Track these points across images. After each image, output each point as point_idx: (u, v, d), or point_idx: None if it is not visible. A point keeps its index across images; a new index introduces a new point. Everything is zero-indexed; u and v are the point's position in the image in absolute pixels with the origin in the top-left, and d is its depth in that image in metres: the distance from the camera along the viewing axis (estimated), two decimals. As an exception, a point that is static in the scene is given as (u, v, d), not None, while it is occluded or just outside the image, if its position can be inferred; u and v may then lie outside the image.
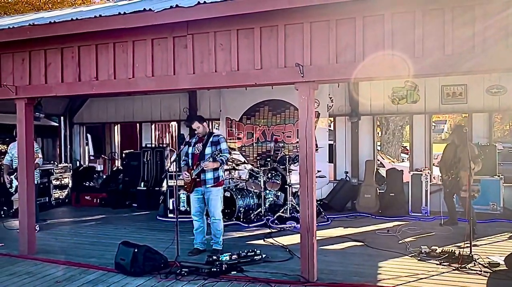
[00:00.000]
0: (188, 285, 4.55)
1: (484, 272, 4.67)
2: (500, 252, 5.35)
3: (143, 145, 10.56)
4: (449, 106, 8.57)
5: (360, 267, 5.02)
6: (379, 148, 14.93)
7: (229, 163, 7.97)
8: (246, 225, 7.39)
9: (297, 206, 7.39)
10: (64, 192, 9.97)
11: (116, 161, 12.33)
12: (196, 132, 5.75)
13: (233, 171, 8.58)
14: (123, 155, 11.10)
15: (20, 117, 5.80)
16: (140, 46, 5.09)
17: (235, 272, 4.80)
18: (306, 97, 4.50)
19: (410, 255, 5.45)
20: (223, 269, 4.79)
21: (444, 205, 7.15)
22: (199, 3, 4.46)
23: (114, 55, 5.21)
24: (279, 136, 9.47)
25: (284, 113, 9.56)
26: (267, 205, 7.90)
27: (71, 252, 5.87)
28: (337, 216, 8.11)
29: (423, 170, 8.37)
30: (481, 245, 5.81)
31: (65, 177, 10.02)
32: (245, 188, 8.15)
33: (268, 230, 7.04)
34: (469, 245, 5.13)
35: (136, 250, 4.89)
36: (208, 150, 5.59)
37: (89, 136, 12.88)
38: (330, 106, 9.25)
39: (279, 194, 8.41)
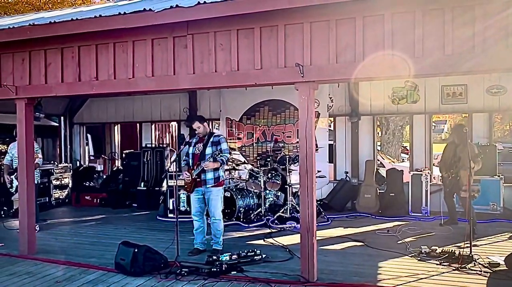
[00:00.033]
0: (188, 285, 4.55)
1: (484, 272, 4.67)
2: (500, 252, 5.35)
3: (143, 145, 10.57)
4: (449, 106, 8.57)
5: (360, 267, 5.02)
6: (379, 148, 14.94)
7: (229, 163, 7.97)
8: (246, 225, 7.39)
9: (297, 206, 7.38)
10: (64, 192, 9.97)
11: (116, 161, 12.33)
12: (196, 132, 5.75)
13: (233, 171, 8.58)
14: (123, 155, 11.11)
15: (20, 117, 5.80)
16: (140, 46, 5.09)
17: (235, 272, 4.80)
18: (306, 97, 4.50)
19: (410, 255, 5.45)
20: (223, 269, 4.79)
21: (444, 205, 7.15)
22: (199, 3, 4.46)
23: (114, 55, 5.21)
24: (279, 136, 9.47)
25: (284, 113, 9.56)
26: (267, 205, 7.90)
27: (71, 252, 5.87)
28: (337, 216, 8.11)
29: (423, 170, 8.37)
30: (481, 245, 5.81)
31: (65, 177, 10.02)
32: (245, 188, 8.15)
33: (268, 230, 7.04)
34: (469, 245, 5.13)
35: (136, 250, 4.89)
36: (208, 150, 5.59)
37: (89, 136, 12.88)
38: (330, 106, 9.25)
39: (279, 194, 8.41)
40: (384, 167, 11.08)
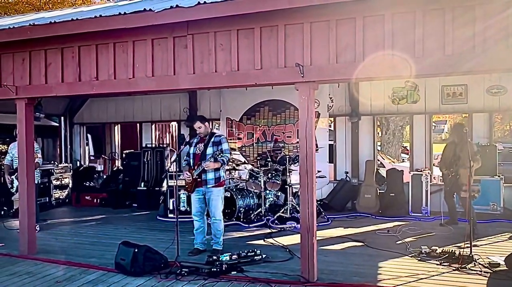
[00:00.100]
0: (188, 285, 4.55)
1: (484, 272, 4.67)
2: (500, 252, 5.35)
3: (143, 145, 10.57)
4: (449, 106, 8.57)
5: (360, 267, 5.02)
6: (379, 148, 14.95)
7: (229, 163, 7.97)
8: (246, 225, 7.39)
9: (297, 206, 7.38)
10: (64, 192, 9.98)
11: (116, 161, 12.34)
12: (198, 132, 5.74)
13: (233, 171, 8.58)
14: (123, 155, 11.11)
15: (20, 117, 5.80)
16: (140, 46, 5.09)
17: (235, 272, 4.79)
18: (306, 97, 4.50)
19: (410, 255, 5.44)
20: (223, 269, 4.79)
21: (444, 205, 7.16)
22: (199, 3, 4.46)
23: (114, 55, 5.21)
24: (279, 136, 9.47)
25: (284, 113, 9.56)
26: (267, 205, 7.90)
27: (71, 252, 5.87)
28: (337, 216, 8.11)
29: (423, 170, 8.37)
30: (481, 245, 5.81)
31: (65, 177, 10.02)
32: (245, 188, 8.15)
33: (268, 230, 7.04)
34: (469, 245, 5.13)
35: (136, 250, 4.89)
36: (209, 150, 5.59)
37: (89, 136, 12.89)
38: (330, 106, 9.25)
39: (279, 194, 8.41)
40: (384, 167, 11.09)
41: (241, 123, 9.91)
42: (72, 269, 5.15)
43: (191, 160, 5.74)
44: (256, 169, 8.17)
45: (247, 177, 8.25)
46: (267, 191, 7.98)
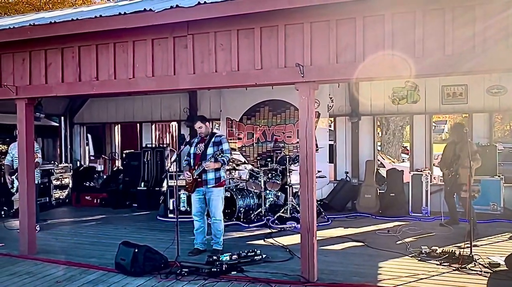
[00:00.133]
0: (188, 285, 4.55)
1: (484, 272, 4.67)
2: (501, 252, 5.35)
3: (144, 145, 10.57)
4: (449, 106, 8.57)
5: (361, 267, 5.02)
6: (379, 148, 14.94)
7: (229, 163, 7.97)
8: (247, 225, 7.39)
9: (297, 206, 7.38)
10: (64, 192, 9.98)
11: (117, 161, 12.34)
12: (198, 132, 5.74)
13: (234, 171, 8.58)
14: (124, 155, 11.12)
15: (20, 117, 5.80)
16: (141, 46, 5.09)
17: (235, 272, 4.79)
18: (306, 97, 4.50)
19: (410, 255, 5.44)
20: (223, 269, 4.79)
21: (445, 205, 7.16)
22: (199, 3, 4.46)
23: (114, 55, 5.21)
24: (279, 136, 9.47)
25: (284, 113, 9.55)
26: (267, 205, 7.90)
27: (72, 252, 5.87)
28: (338, 216, 8.11)
29: (424, 170, 8.37)
30: (481, 245, 5.81)
31: (66, 177, 10.03)
32: (245, 188, 8.15)
33: (269, 230, 7.04)
34: (469, 245, 5.12)
35: (136, 250, 4.88)
36: (210, 150, 5.59)
37: (89, 136, 12.89)
38: (330, 106, 9.25)
39: (279, 194, 8.41)
40: (385, 167, 11.09)
41: (241, 123, 9.91)
42: (72, 269, 5.15)
43: (191, 160, 5.74)
44: (256, 169, 8.17)
45: (247, 177, 8.25)
46: (267, 191, 7.98)
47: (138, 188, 9.68)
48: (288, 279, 4.62)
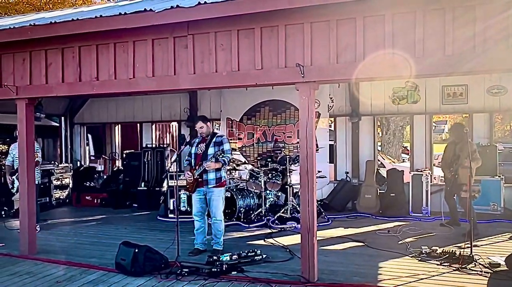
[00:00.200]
0: (188, 285, 4.55)
1: (484, 272, 4.67)
2: (501, 253, 5.35)
3: (144, 145, 10.57)
4: (449, 107, 8.57)
5: (361, 268, 5.02)
6: (379, 148, 14.95)
7: (230, 163, 7.97)
8: (247, 225, 7.38)
9: (297, 206, 7.38)
10: (64, 192, 9.98)
11: (117, 161, 12.34)
12: (199, 132, 5.74)
13: (234, 171, 8.58)
14: (124, 155, 11.12)
15: (20, 117, 5.80)
16: (141, 46, 5.09)
17: (235, 272, 4.79)
18: (307, 97, 4.50)
19: (410, 255, 5.44)
20: (224, 269, 4.79)
21: (445, 205, 7.16)
22: (199, 3, 4.46)
23: (114, 55, 5.22)
24: (279, 136, 9.47)
25: (284, 113, 9.56)
26: (267, 206, 7.90)
27: (72, 252, 5.87)
28: (338, 217, 8.11)
29: (424, 170, 8.37)
30: (481, 245, 5.81)
31: (66, 177, 10.03)
32: (245, 188, 8.15)
33: (269, 230, 7.04)
34: (469, 245, 5.12)
35: (136, 250, 4.88)
36: (211, 150, 5.60)
37: (89, 136, 12.90)
38: (330, 106, 9.25)
39: (279, 194, 8.41)
40: (385, 167, 11.09)
41: (241, 123, 9.91)
42: (73, 269, 5.15)
43: (192, 160, 5.74)
44: (256, 169, 8.17)
45: (248, 177, 8.25)
46: (268, 191, 7.98)
47: (138, 188, 9.68)
48: (288, 279, 4.62)
